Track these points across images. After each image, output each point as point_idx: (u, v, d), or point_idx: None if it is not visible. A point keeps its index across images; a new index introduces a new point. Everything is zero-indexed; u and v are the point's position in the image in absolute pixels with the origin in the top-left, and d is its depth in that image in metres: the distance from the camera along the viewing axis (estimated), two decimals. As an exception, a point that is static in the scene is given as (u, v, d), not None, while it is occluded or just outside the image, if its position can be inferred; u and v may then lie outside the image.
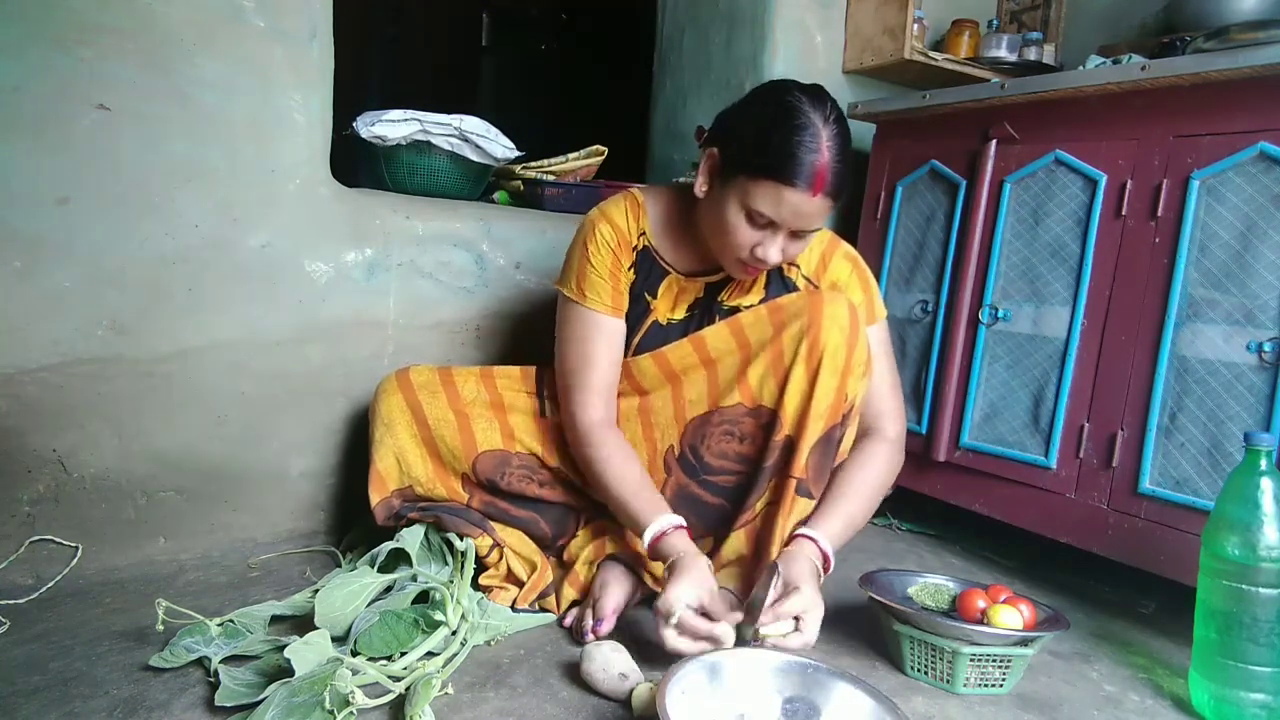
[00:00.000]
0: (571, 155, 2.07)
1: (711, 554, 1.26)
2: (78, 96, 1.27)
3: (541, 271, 1.75)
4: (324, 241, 1.51)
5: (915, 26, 2.01)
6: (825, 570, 1.18)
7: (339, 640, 1.10)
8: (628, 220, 1.30)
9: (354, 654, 1.04)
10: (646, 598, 1.31)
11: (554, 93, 4.44)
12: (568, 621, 1.26)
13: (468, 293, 1.68)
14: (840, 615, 1.37)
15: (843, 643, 1.28)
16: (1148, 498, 1.39)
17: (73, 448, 1.33)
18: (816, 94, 1.14)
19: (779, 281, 1.33)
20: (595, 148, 2.11)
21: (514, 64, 4.62)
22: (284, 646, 0.99)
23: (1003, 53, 2.15)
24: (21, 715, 0.94)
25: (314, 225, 1.50)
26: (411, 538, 1.27)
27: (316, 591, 1.17)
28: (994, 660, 1.13)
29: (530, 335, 1.70)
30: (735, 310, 1.30)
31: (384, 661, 1.04)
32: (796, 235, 1.17)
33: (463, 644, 1.13)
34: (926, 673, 1.17)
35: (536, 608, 1.29)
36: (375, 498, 1.32)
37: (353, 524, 1.55)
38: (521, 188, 2.02)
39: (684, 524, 1.19)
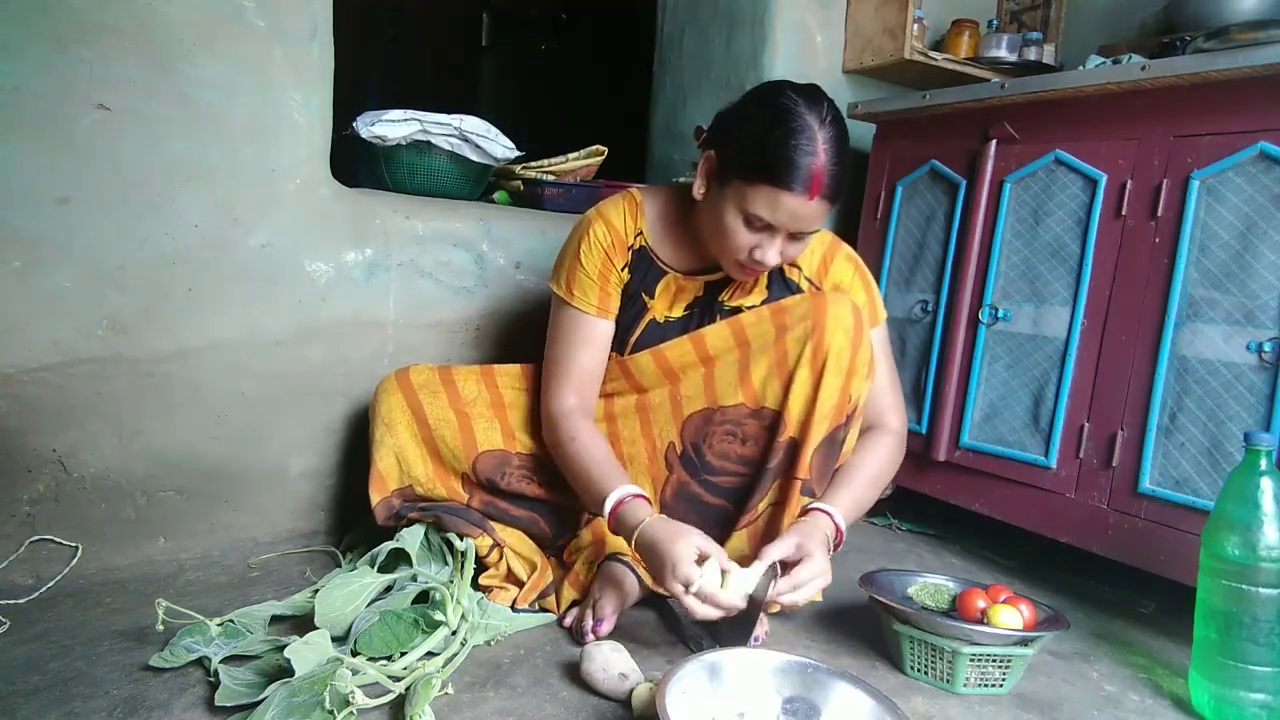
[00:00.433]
0: (571, 155, 2.07)
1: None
2: (78, 96, 1.27)
3: (541, 271, 1.75)
4: (324, 241, 1.51)
5: (915, 26, 2.01)
6: (836, 546, 1.19)
7: (339, 640, 1.10)
8: (625, 220, 1.30)
9: (354, 654, 1.04)
10: (646, 598, 1.31)
11: (554, 93, 4.44)
12: (568, 621, 1.26)
13: (467, 292, 1.68)
14: (840, 615, 1.37)
15: (843, 643, 1.28)
16: (1148, 498, 1.39)
17: (73, 448, 1.33)
18: (813, 95, 1.14)
19: (781, 283, 1.33)
20: (595, 148, 2.11)
21: (514, 64, 4.62)
22: (284, 646, 0.99)
23: (1003, 53, 2.15)
24: (21, 715, 0.94)
25: (314, 225, 1.50)
26: (411, 538, 1.27)
27: (316, 591, 1.17)
28: (994, 660, 1.13)
29: (530, 335, 1.70)
30: (737, 310, 1.31)
31: (384, 661, 1.04)
32: (795, 237, 1.17)
33: (463, 644, 1.13)
34: (926, 673, 1.17)
35: (536, 608, 1.29)
36: (375, 497, 1.32)
37: (353, 524, 1.55)
38: (521, 188, 2.02)
39: (646, 495, 1.17)
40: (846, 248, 1.37)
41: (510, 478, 1.33)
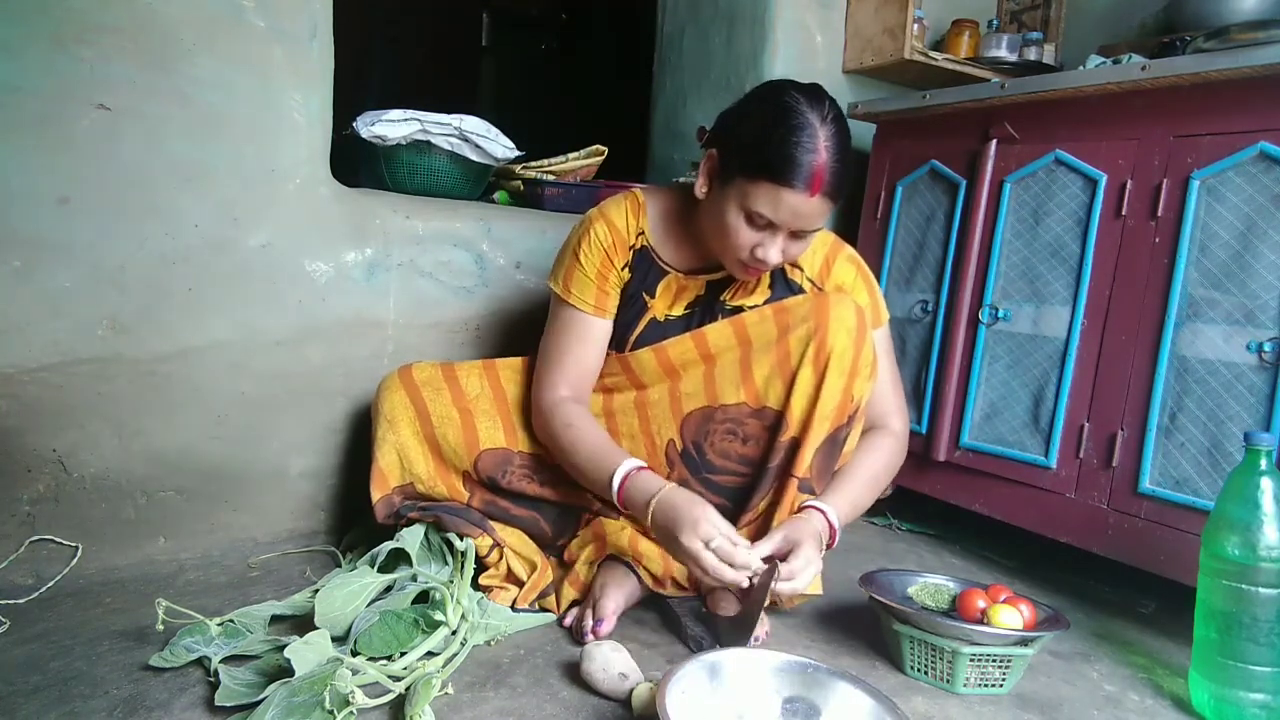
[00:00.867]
0: (571, 155, 2.07)
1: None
2: (78, 96, 1.27)
3: (541, 271, 1.75)
4: (324, 241, 1.51)
5: (915, 26, 2.01)
6: (830, 544, 1.19)
7: (339, 640, 1.10)
8: (627, 220, 1.31)
9: (354, 654, 1.04)
10: (647, 597, 1.31)
11: (554, 92, 4.44)
12: (568, 621, 1.26)
13: (467, 292, 1.68)
14: (840, 615, 1.37)
15: (843, 643, 1.28)
16: (1148, 498, 1.39)
17: (73, 447, 1.33)
18: (814, 93, 1.14)
19: (783, 283, 1.33)
20: (595, 147, 2.11)
21: (514, 64, 4.62)
22: (284, 646, 0.99)
23: (1003, 53, 2.15)
24: (21, 715, 0.94)
25: (314, 225, 1.50)
26: (411, 538, 1.27)
27: (316, 591, 1.17)
28: (994, 660, 1.13)
29: (530, 335, 1.69)
30: (738, 310, 1.31)
31: (384, 661, 1.04)
32: (797, 236, 1.17)
33: (463, 644, 1.13)
34: (926, 673, 1.17)
35: (536, 607, 1.29)
36: (376, 494, 1.32)
37: (353, 524, 1.55)
38: (521, 188, 2.02)
39: (649, 466, 1.19)
40: (849, 249, 1.37)
41: (511, 476, 1.33)
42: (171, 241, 1.37)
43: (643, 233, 1.31)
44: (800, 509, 1.21)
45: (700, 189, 1.22)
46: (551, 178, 1.99)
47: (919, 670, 1.18)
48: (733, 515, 1.29)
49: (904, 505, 1.91)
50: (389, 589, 1.22)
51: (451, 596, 1.16)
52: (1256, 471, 1.09)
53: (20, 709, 0.95)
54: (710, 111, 2.30)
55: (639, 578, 1.28)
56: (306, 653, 0.98)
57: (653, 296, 1.32)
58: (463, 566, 1.23)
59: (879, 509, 1.94)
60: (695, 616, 1.27)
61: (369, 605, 1.17)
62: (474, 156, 1.80)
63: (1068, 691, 1.19)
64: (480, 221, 1.69)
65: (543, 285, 1.74)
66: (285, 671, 0.97)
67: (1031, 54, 2.14)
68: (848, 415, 1.24)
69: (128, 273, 1.34)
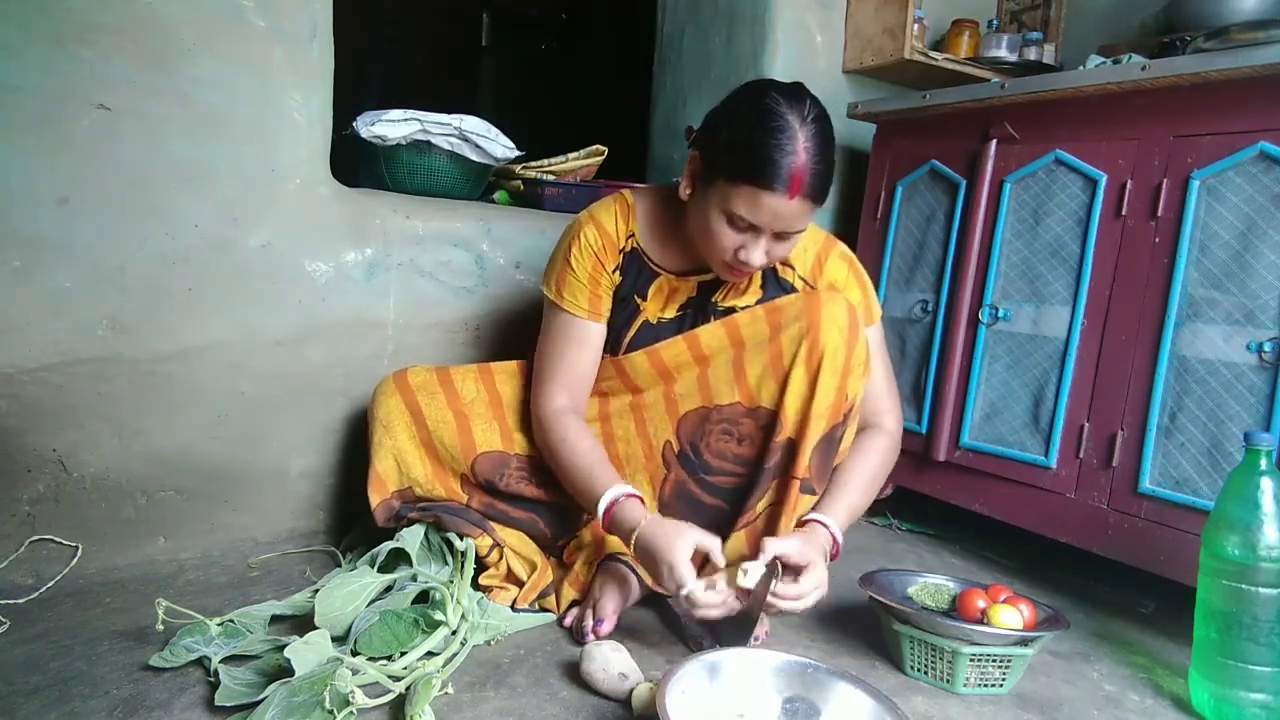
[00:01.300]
0: (571, 155, 2.07)
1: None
2: (78, 96, 1.27)
3: (541, 271, 1.74)
4: (324, 241, 1.51)
5: (915, 26, 2.01)
6: (833, 557, 1.20)
7: (339, 640, 1.10)
8: (617, 223, 1.30)
9: (354, 654, 1.04)
10: (646, 597, 1.31)
11: (554, 92, 4.44)
12: (568, 621, 1.26)
13: (467, 292, 1.68)
14: (840, 615, 1.37)
15: (843, 643, 1.28)
16: (1148, 498, 1.39)
17: (73, 447, 1.33)
18: (795, 93, 1.12)
19: (775, 282, 1.33)
20: (595, 148, 2.11)
21: (514, 64, 4.62)
22: (284, 646, 0.99)
23: (1003, 53, 2.15)
24: (21, 715, 0.94)
25: (314, 225, 1.50)
26: (411, 538, 1.27)
27: (316, 591, 1.17)
28: (994, 660, 1.13)
29: (529, 335, 1.69)
30: (730, 311, 1.30)
31: (384, 661, 1.04)
32: (780, 237, 1.16)
33: (463, 644, 1.13)
34: (926, 673, 1.17)
35: (536, 607, 1.29)
36: (375, 500, 1.32)
37: (353, 524, 1.55)
38: (521, 188, 2.02)
39: (639, 495, 1.19)
40: (841, 246, 1.36)
41: (509, 479, 1.33)
42: (171, 241, 1.37)
43: (633, 235, 1.30)
44: (803, 523, 1.22)
45: (684, 191, 1.22)
46: (551, 178, 1.99)
47: (919, 670, 1.18)
48: (730, 517, 1.29)
49: (904, 505, 1.91)
50: (389, 589, 1.22)
51: (451, 596, 1.16)
52: (1256, 471, 1.09)
53: (20, 709, 0.95)
54: (710, 111, 2.31)
55: (639, 578, 1.27)
56: (306, 653, 0.98)
57: (645, 299, 1.31)
58: (463, 566, 1.23)
59: (879, 509, 1.94)
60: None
61: (369, 605, 1.17)
62: (474, 156, 1.80)
63: (1068, 691, 1.19)
64: (480, 221, 1.69)
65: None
66: (285, 671, 0.97)
67: (1031, 54, 2.14)
68: (843, 414, 1.24)
69: (128, 273, 1.34)
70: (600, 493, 1.17)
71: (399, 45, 4.31)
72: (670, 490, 1.34)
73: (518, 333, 1.73)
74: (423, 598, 1.22)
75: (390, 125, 1.71)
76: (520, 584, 1.31)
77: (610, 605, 1.22)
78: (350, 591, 1.16)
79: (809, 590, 1.12)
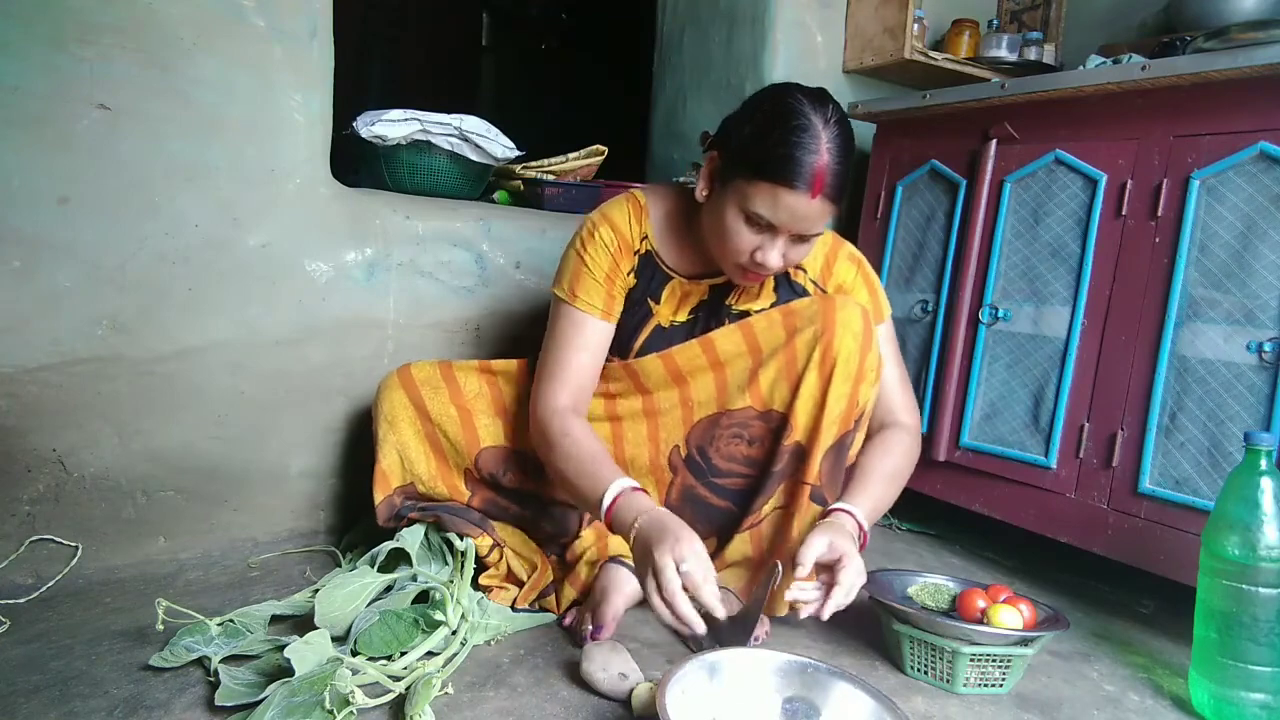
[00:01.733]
0: (571, 155, 2.07)
1: (715, 555, 1.26)
2: (78, 96, 1.27)
3: (541, 271, 1.75)
4: (324, 241, 1.51)
5: (915, 26, 2.01)
6: (861, 547, 1.17)
7: (339, 640, 1.10)
8: (630, 223, 1.28)
9: (354, 654, 1.05)
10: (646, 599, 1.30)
11: (554, 92, 4.44)
12: (568, 621, 1.26)
13: (467, 292, 1.68)
14: (840, 615, 1.36)
15: (843, 643, 1.28)
16: (1148, 497, 1.39)
17: (73, 447, 1.33)
18: (819, 96, 1.13)
19: (787, 286, 1.32)
20: (595, 147, 2.11)
21: (514, 64, 4.63)
22: (284, 646, 0.99)
23: (1003, 52, 2.15)
24: (21, 715, 0.94)
25: (314, 225, 1.50)
26: (411, 538, 1.27)
27: (316, 591, 1.17)
28: (994, 660, 1.13)
29: (530, 334, 1.70)
30: (744, 314, 1.29)
31: (384, 661, 1.04)
32: (797, 240, 1.15)
33: (463, 644, 1.13)
34: (926, 673, 1.17)
35: (536, 607, 1.29)
36: (379, 496, 1.32)
37: (353, 524, 1.55)
38: (521, 187, 2.02)
39: (643, 489, 1.14)
40: (849, 246, 1.36)
41: (512, 474, 1.33)
42: (171, 241, 1.37)
43: (646, 237, 1.29)
44: (828, 512, 1.19)
45: (701, 192, 1.21)
46: (551, 177, 1.98)
47: (919, 670, 1.18)
48: (735, 518, 1.29)
49: (904, 505, 1.89)
50: (389, 589, 1.22)
51: (451, 596, 1.16)
52: (1256, 471, 1.09)
53: (20, 709, 0.95)
54: (710, 111, 2.31)
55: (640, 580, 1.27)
56: (306, 653, 0.98)
57: (658, 302, 1.30)
58: (463, 566, 1.23)
59: (879, 509, 1.93)
60: (695, 616, 1.27)
61: (369, 605, 1.17)
62: (474, 156, 1.80)
63: (1068, 691, 1.19)
64: (480, 221, 1.69)
65: (543, 285, 1.74)
66: (285, 671, 0.97)
67: (1031, 54, 2.14)
68: (853, 421, 1.24)
69: (128, 273, 1.34)
70: (604, 486, 1.12)
71: (399, 45, 4.32)
72: (677, 494, 1.33)
73: (518, 332, 1.73)
74: (423, 598, 1.22)
75: (390, 125, 1.71)
76: (520, 584, 1.31)
77: (610, 612, 1.21)
78: (350, 591, 1.16)
79: (852, 583, 1.08)
